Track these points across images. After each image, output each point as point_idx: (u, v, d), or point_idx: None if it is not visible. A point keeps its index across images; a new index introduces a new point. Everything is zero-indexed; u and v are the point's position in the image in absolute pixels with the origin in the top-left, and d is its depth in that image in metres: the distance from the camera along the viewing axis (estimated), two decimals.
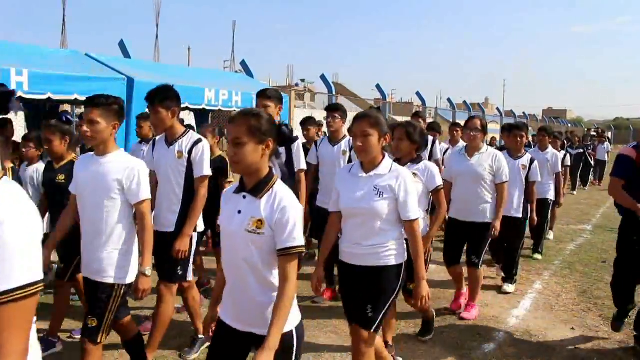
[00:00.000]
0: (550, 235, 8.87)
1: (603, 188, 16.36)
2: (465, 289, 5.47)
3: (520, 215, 6.08)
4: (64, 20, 30.15)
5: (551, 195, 7.53)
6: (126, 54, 9.24)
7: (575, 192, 15.62)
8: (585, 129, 32.19)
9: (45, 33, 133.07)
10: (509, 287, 6.13)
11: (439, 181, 4.13)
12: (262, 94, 4.52)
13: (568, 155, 9.30)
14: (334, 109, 5.64)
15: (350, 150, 5.38)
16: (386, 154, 3.25)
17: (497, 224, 5.06)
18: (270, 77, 40.22)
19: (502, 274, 6.38)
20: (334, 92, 21.42)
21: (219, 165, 4.90)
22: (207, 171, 3.91)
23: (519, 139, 6.13)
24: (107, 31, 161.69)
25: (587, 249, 8.44)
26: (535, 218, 6.41)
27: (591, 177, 17.87)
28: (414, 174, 3.85)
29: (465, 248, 5.29)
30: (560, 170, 7.84)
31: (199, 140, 3.91)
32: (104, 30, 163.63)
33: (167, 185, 3.93)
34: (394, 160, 3.64)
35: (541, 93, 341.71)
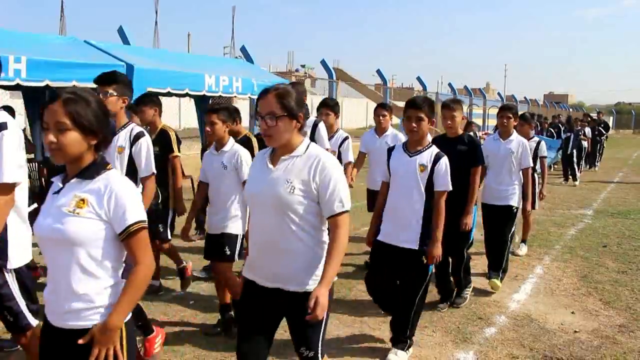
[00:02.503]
0: (522, 250, 7.20)
1: (584, 184, 15.82)
2: None
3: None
4: (62, 6, 30.03)
5: (515, 201, 5.74)
6: (125, 41, 9.19)
7: (566, 182, 14.89)
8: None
9: (44, 20, 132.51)
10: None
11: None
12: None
13: (543, 143, 7.34)
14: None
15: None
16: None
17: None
18: (270, 63, 40.08)
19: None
20: (334, 78, 21.35)
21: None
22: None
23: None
24: (106, 18, 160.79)
25: (588, 233, 8.45)
26: (529, 207, 6.02)
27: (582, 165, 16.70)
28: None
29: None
30: (531, 165, 6.00)
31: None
32: (103, 17, 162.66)
33: None
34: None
35: (543, 78, 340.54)
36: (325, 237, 2.62)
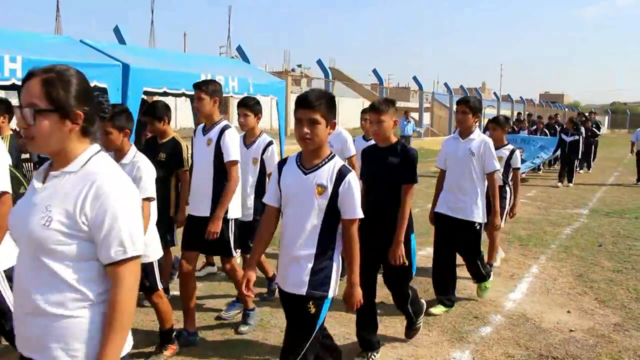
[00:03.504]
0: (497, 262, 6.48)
1: (579, 181, 15.76)
2: None
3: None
4: (57, 6, 29.92)
5: (478, 216, 4.89)
6: (121, 40, 9.16)
7: (561, 185, 14.24)
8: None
9: (39, 19, 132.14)
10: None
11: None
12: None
13: (518, 152, 6.48)
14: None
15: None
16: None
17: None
18: (266, 62, 40.05)
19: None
20: (330, 77, 21.36)
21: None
22: None
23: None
24: (102, 17, 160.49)
25: (583, 232, 8.48)
26: (497, 222, 5.16)
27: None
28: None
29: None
30: (497, 168, 5.00)
31: None
32: (99, 16, 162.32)
33: None
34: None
35: (539, 77, 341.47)
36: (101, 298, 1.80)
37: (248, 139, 4.92)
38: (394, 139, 3.94)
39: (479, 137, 4.93)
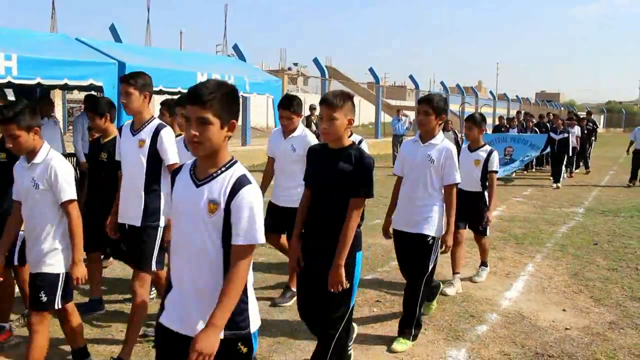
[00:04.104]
0: (481, 276, 5.93)
1: (574, 182, 15.63)
2: None
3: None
4: (53, 4, 29.82)
5: (432, 229, 4.17)
6: (117, 38, 9.16)
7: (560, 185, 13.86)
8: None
9: (35, 17, 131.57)
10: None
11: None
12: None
13: (496, 154, 5.74)
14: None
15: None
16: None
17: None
18: (263, 61, 40.04)
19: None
20: (326, 76, 21.35)
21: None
22: None
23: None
24: (98, 15, 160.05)
25: (579, 231, 8.50)
26: (449, 242, 4.27)
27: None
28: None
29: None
30: (457, 181, 4.24)
31: None
32: (95, 14, 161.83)
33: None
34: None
35: (535, 76, 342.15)
36: None
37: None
38: (347, 142, 3.32)
39: (441, 142, 4.23)
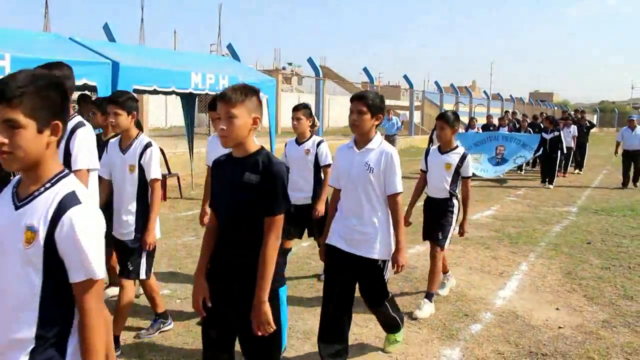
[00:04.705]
0: (444, 290, 5.39)
1: (568, 181, 15.68)
2: None
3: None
4: (46, 3, 29.64)
5: (379, 250, 3.62)
6: (111, 38, 9.13)
7: (551, 186, 13.67)
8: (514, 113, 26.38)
9: (28, 17, 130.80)
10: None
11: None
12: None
13: (469, 158, 5.10)
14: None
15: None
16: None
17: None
18: (257, 60, 40.01)
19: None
20: (321, 76, 21.37)
21: None
22: None
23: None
24: (92, 14, 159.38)
25: (572, 230, 8.54)
26: (401, 261, 3.65)
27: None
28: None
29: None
30: (399, 190, 3.64)
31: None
32: (88, 14, 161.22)
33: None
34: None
35: (529, 76, 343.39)
36: None
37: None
38: (254, 147, 2.60)
39: (379, 146, 3.61)
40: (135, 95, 4.20)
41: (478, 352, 4.19)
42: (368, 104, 3.51)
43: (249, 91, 2.56)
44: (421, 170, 5.30)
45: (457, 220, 5.12)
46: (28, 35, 7.19)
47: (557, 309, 5.13)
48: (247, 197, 2.52)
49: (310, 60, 20.84)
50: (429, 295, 4.97)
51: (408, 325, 4.58)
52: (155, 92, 8.09)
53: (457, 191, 5.08)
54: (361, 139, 3.66)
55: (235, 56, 12.45)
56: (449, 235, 5.01)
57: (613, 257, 6.93)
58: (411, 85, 27.80)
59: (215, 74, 8.36)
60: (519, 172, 16.69)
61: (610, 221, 9.32)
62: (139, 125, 4.25)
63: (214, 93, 8.39)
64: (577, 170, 17.13)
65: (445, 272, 5.45)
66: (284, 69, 45.30)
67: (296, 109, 5.29)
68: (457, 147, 5.10)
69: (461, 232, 5.26)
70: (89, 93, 8.27)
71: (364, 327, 4.55)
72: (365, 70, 24.24)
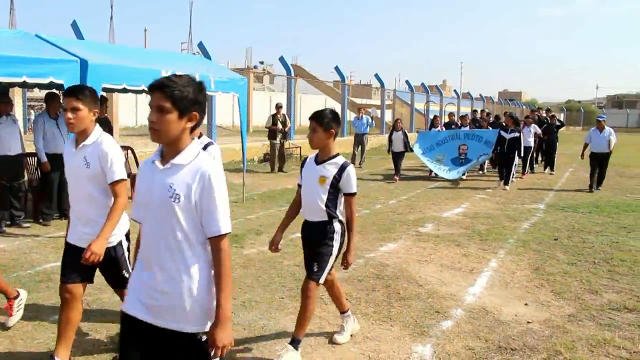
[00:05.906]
0: (343, 337, 4.26)
1: (536, 179, 15.98)
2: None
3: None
4: None
5: (201, 321, 2.32)
6: (79, 35, 8.99)
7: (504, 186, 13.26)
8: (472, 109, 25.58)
9: None
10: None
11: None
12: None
13: (351, 169, 3.84)
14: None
15: None
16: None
17: None
18: (228, 59, 39.76)
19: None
20: (292, 75, 21.33)
21: None
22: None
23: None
24: (59, 11, 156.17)
25: (540, 227, 8.71)
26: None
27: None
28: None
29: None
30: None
31: None
32: (56, 10, 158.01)
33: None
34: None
35: (498, 76, 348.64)
36: None
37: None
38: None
39: (194, 160, 2.30)
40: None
41: (449, 348, 4.24)
42: (174, 97, 2.25)
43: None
44: (298, 184, 4.10)
45: (339, 249, 3.93)
46: None
47: (525, 304, 5.23)
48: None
49: (281, 59, 20.79)
50: (294, 342, 3.87)
51: (380, 323, 4.62)
52: (124, 90, 7.98)
53: (337, 212, 3.89)
54: (168, 149, 2.32)
55: (206, 54, 12.37)
56: (328, 268, 3.87)
57: (579, 253, 7.09)
58: (382, 84, 27.95)
59: (185, 72, 8.29)
60: (480, 172, 16.54)
61: (577, 218, 9.54)
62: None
63: None
64: (548, 170, 16.79)
65: (343, 311, 4.32)
66: (255, 67, 45.14)
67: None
68: (335, 155, 3.88)
69: (345, 265, 3.96)
70: (56, 91, 8.14)
71: (335, 325, 4.56)
72: (337, 69, 24.28)
